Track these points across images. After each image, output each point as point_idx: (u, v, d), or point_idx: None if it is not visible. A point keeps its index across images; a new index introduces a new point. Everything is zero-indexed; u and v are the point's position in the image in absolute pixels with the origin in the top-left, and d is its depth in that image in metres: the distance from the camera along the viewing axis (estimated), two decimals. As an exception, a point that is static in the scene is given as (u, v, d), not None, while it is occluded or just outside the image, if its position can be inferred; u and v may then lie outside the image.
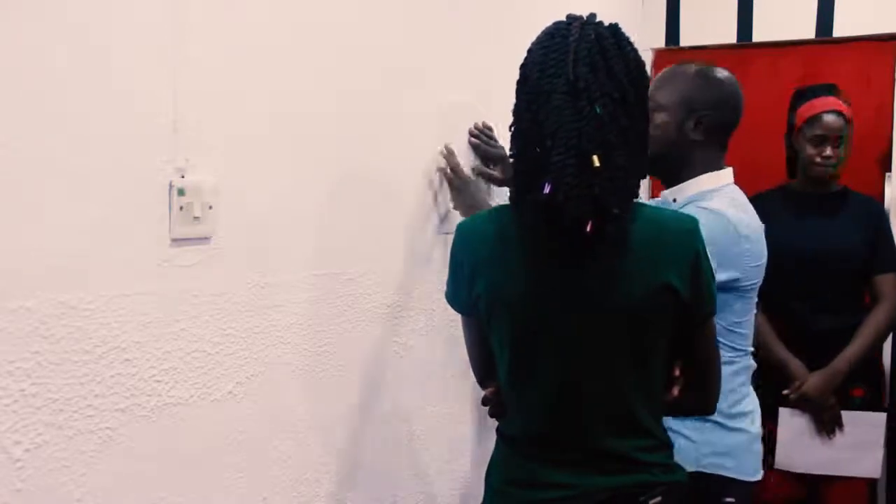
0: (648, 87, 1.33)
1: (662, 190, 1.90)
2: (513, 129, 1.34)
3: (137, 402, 1.32)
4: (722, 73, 1.85)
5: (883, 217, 2.61)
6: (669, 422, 1.61)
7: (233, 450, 1.50)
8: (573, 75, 1.24)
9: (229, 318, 1.48)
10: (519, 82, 1.34)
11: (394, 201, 1.90)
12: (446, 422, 2.12)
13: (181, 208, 1.37)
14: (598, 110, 1.24)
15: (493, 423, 1.50)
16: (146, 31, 1.31)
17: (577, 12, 1.34)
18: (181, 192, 1.37)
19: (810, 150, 2.57)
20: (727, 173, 1.87)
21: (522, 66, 1.33)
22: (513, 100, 1.34)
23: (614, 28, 1.31)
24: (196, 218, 1.40)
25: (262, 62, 1.53)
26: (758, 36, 3.29)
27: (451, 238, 1.46)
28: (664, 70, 1.91)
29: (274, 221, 1.57)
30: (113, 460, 1.29)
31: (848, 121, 2.54)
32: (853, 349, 2.47)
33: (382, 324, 1.88)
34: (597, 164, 1.23)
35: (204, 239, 1.43)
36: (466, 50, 2.13)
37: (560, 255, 1.32)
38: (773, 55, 3.20)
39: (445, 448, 2.12)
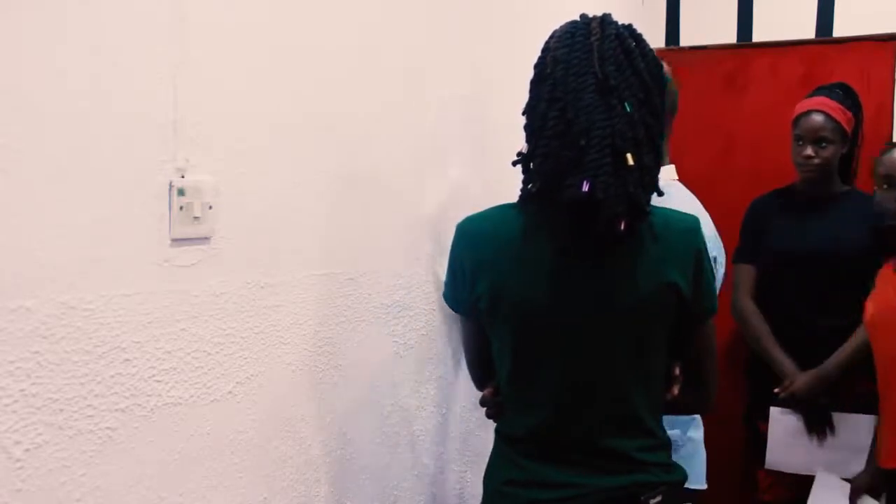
0: (667, 86, 1.34)
1: None
2: (528, 127, 1.33)
3: (137, 402, 1.32)
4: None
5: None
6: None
7: (233, 450, 1.50)
8: (602, 74, 1.24)
9: (229, 318, 1.48)
10: (535, 81, 1.33)
11: (394, 201, 1.90)
12: (446, 422, 2.12)
13: (181, 208, 1.37)
14: (628, 108, 1.24)
15: (493, 422, 1.50)
16: (146, 31, 1.31)
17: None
18: (181, 192, 1.37)
19: (794, 150, 2.57)
20: (671, 170, 1.87)
21: (539, 65, 1.33)
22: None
23: (630, 28, 1.31)
24: (196, 218, 1.40)
25: (262, 62, 1.53)
26: (758, 36, 3.30)
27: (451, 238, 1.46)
28: None
29: (274, 221, 1.57)
30: (113, 460, 1.29)
31: (835, 121, 2.51)
32: (846, 350, 2.46)
33: (382, 324, 1.88)
34: (631, 162, 1.23)
35: (204, 239, 1.43)
36: (466, 49, 2.13)
37: (576, 254, 1.32)
38: (773, 55, 3.20)
39: (445, 448, 2.12)
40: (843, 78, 2.73)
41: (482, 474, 1.49)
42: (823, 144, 2.51)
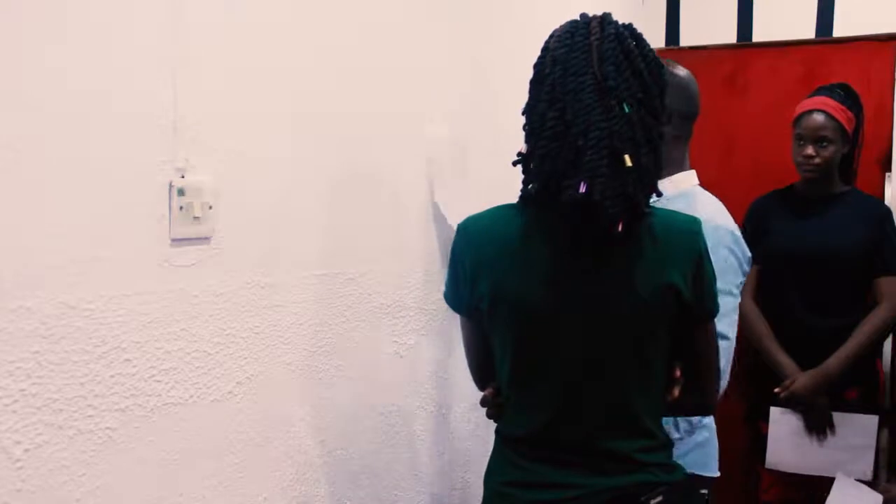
0: (667, 86, 1.33)
1: None
2: (528, 127, 1.33)
3: (137, 402, 1.32)
4: (679, 67, 1.88)
5: (887, 219, 2.60)
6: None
7: (233, 450, 1.50)
8: (601, 74, 1.24)
9: (229, 318, 1.48)
10: (535, 81, 1.32)
11: (394, 201, 1.90)
12: (446, 422, 2.12)
13: (181, 208, 1.37)
14: (626, 109, 1.24)
15: (494, 423, 1.49)
16: (146, 31, 1.31)
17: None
18: (181, 192, 1.37)
19: (794, 149, 2.57)
20: (692, 175, 1.88)
21: (538, 65, 1.32)
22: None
23: (631, 27, 1.31)
24: (196, 218, 1.40)
25: (262, 62, 1.53)
26: (758, 36, 3.29)
27: (451, 238, 1.46)
28: None
29: (274, 221, 1.57)
30: (113, 460, 1.29)
31: (836, 120, 2.51)
32: (846, 350, 2.46)
33: (382, 324, 1.88)
34: (629, 163, 1.23)
35: (204, 239, 1.43)
36: (466, 48, 2.13)
37: (575, 255, 1.32)
38: (773, 55, 3.20)
39: (445, 448, 2.12)
40: (843, 78, 2.73)
41: (482, 474, 1.49)
42: (824, 144, 2.51)
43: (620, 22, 1.32)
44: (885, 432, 2.78)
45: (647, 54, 1.29)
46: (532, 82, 1.33)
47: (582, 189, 1.22)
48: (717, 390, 1.45)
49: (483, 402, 1.47)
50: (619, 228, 1.24)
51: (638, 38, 1.30)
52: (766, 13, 3.28)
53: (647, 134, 1.27)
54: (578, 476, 1.34)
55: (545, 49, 1.33)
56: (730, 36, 3.34)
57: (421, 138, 1.98)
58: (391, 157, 1.88)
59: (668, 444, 1.42)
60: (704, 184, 1.90)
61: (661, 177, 1.82)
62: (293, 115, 1.61)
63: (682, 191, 1.78)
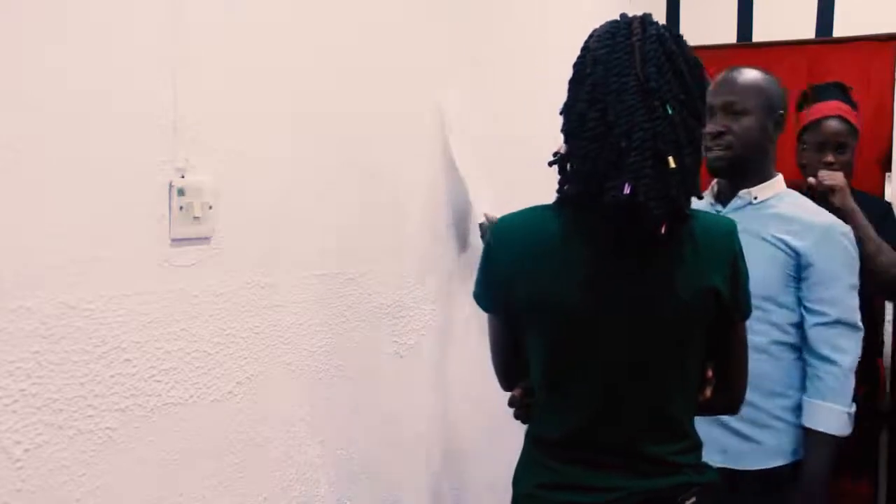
0: (707, 88, 1.34)
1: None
2: (566, 127, 1.32)
3: (137, 402, 1.32)
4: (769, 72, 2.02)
5: (889, 216, 2.59)
6: (787, 415, 1.85)
7: (233, 450, 1.50)
8: (643, 75, 1.24)
9: (229, 318, 1.48)
10: (574, 80, 1.31)
11: (394, 201, 1.90)
12: (447, 422, 2.12)
13: (181, 208, 1.37)
14: (669, 110, 1.24)
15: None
16: (146, 31, 1.31)
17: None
18: (181, 192, 1.37)
19: (806, 155, 2.54)
20: (781, 179, 2.03)
21: (578, 64, 1.31)
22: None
23: (671, 29, 1.31)
24: (196, 218, 1.40)
25: (262, 62, 1.53)
26: (758, 36, 3.30)
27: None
28: (729, 75, 1.99)
29: (274, 221, 1.57)
30: (113, 460, 1.29)
31: (852, 125, 2.50)
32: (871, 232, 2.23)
33: (382, 324, 1.88)
34: (672, 164, 1.23)
35: (204, 239, 1.43)
36: (466, 48, 2.13)
37: (620, 256, 1.31)
38: (773, 55, 3.20)
39: (446, 448, 2.12)
40: (843, 78, 2.73)
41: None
42: (843, 150, 2.49)
43: (661, 23, 1.32)
44: (885, 432, 2.78)
45: (687, 56, 1.29)
46: (571, 82, 1.32)
47: (626, 190, 1.21)
48: (745, 389, 1.45)
49: (511, 403, 1.45)
50: (663, 230, 1.24)
51: (678, 39, 1.30)
52: (766, 13, 3.29)
53: (689, 135, 1.26)
54: (619, 479, 1.33)
55: (585, 48, 1.31)
56: (730, 36, 3.34)
57: (421, 138, 1.98)
58: (391, 157, 1.88)
59: (699, 444, 1.42)
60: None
61: (764, 179, 1.96)
62: (293, 115, 1.61)
63: (783, 189, 1.98)
